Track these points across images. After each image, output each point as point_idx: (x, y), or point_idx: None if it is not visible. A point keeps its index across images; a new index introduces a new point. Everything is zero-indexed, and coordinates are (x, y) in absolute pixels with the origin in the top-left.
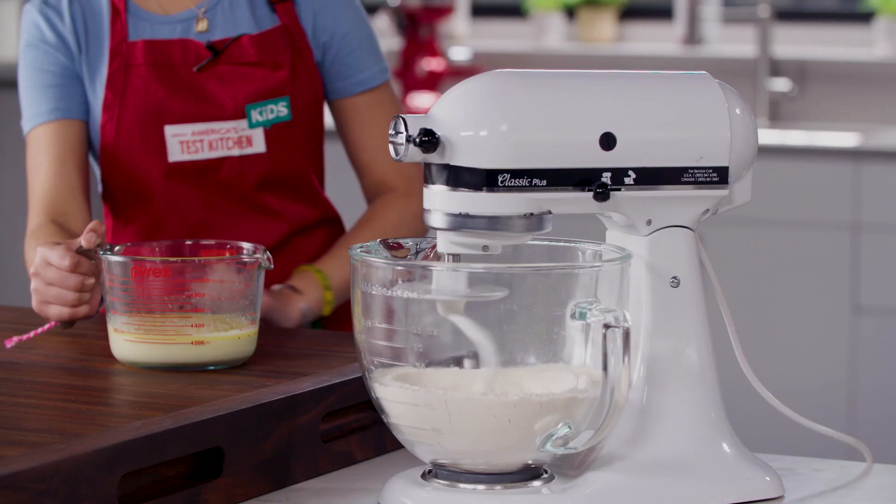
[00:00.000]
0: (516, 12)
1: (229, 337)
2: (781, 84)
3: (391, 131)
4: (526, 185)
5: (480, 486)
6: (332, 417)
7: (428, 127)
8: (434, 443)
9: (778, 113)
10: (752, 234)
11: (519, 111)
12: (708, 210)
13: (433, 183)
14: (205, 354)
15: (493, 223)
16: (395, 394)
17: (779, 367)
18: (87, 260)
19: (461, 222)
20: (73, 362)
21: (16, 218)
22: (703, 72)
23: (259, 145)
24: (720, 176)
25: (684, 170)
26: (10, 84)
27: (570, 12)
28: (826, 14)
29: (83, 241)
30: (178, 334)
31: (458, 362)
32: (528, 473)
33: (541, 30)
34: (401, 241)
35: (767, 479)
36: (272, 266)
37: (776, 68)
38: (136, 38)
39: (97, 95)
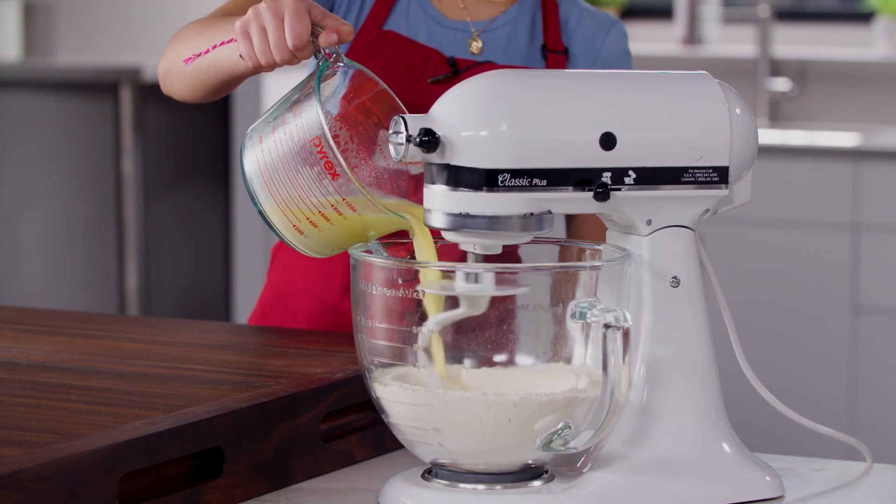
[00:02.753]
0: None
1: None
2: (781, 84)
3: (391, 131)
4: (526, 185)
5: (480, 486)
6: (332, 417)
7: (428, 127)
8: (434, 443)
9: (778, 113)
10: (752, 234)
11: (519, 111)
12: (708, 210)
13: (433, 183)
14: (297, 239)
15: (493, 223)
16: (395, 394)
17: (779, 367)
18: (311, 48)
19: (461, 222)
20: (73, 362)
21: (16, 218)
22: (703, 72)
23: None
24: (720, 176)
25: (684, 170)
26: (10, 84)
27: None
28: (826, 14)
29: (322, 37)
30: (294, 215)
31: (458, 362)
32: (528, 473)
33: None
34: (402, 240)
35: (767, 479)
36: None
37: (776, 68)
38: (403, 24)
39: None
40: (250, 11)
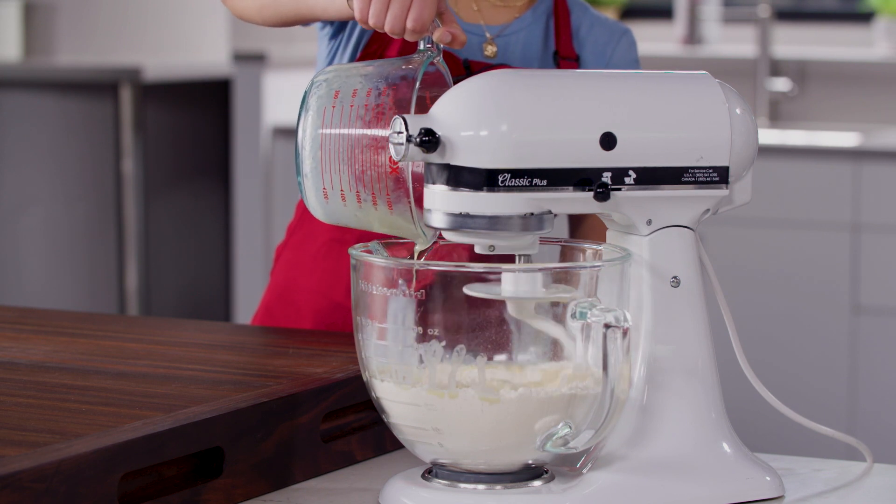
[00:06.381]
0: None
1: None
2: (781, 84)
3: (391, 132)
4: (526, 185)
5: (480, 486)
6: (332, 417)
7: (428, 126)
8: (434, 443)
9: (778, 113)
10: (752, 234)
11: (519, 111)
12: (708, 210)
13: (433, 183)
14: (317, 201)
15: (494, 223)
16: (395, 393)
17: (779, 367)
18: (428, 30)
19: (461, 222)
20: (73, 362)
21: (16, 218)
22: (703, 72)
23: None
24: (720, 176)
25: (684, 170)
26: (10, 84)
27: None
28: (826, 14)
29: (437, 34)
30: (330, 178)
31: (459, 361)
32: (528, 473)
33: None
34: (402, 240)
35: (767, 479)
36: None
37: (776, 68)
38: None
39: (347, 48)
40: None
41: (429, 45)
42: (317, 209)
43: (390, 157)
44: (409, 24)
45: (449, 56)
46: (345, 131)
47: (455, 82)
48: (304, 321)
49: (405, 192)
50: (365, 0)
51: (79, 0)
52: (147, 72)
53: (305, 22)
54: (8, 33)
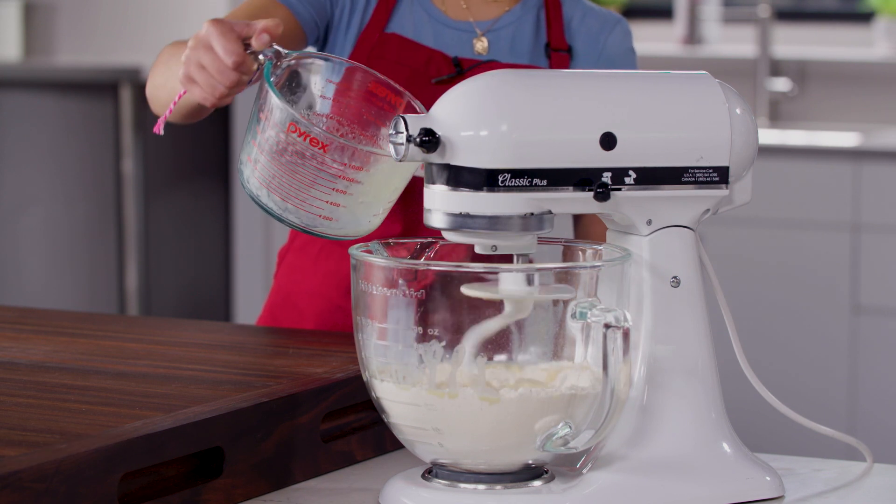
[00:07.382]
0: None
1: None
2: (781, 84)
3: (391, 131)
4: (526, 185)
5: (480, 486)
6: (332, 417)
7: (428, 127)
8: (434, 443)
9: (778, 113)
10: (752, 234)
11: (519, 111)
12: (708, 210)
13: (434, 183)
14: (331, 227)
15: (494, 223)
16: (395, 393)
17: (779, 367)
18: (252, 61)
19: (461, 222)
20: (73, 362)
21: (16, 218)
22: (703, 72)
23: None
24: (720, 176)
25: (684, 170)
26: (10, 84)
27: None
28: (826, 14)
29: (254, 42)
30: (313, 205)
31: (459, 361)
32: (528, 473)
33: None
34: (402, 240)
35: (767, 479)
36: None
37: (776, 68)
38: (407, 26)
39: (344, 46)
40: (183, 58)
41: (261, 58)
42: (340, 234)
43: (310, 141)
44: (228, 63)
45: (439, 55)
46: (277, 171)
47: (453, 80)
48: (307, 324)
49: (346, 147)
50: (197, 91)
51: (79, 0)
52: (147, 72)
53: (202, 114)
54: (8, 33)
